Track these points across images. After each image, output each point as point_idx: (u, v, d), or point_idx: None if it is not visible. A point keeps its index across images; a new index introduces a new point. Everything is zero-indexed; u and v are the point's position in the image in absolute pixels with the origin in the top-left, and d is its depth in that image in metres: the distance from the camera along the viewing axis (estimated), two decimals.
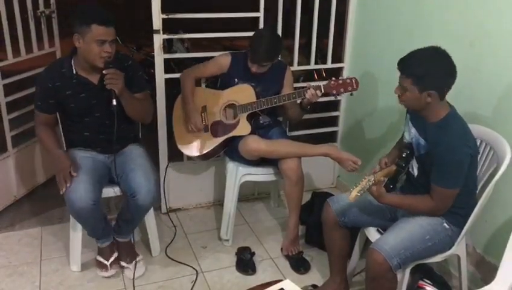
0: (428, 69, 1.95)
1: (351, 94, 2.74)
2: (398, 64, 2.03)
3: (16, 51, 3.10)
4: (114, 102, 2.35)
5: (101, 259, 2.62)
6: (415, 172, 2.19)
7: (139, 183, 2.42)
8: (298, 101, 2.78)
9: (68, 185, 2.31)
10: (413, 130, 2.17)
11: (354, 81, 2.66)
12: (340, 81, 2.65)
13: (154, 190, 2.48)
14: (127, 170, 2.49)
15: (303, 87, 2.71)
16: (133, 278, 2.55)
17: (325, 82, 2.71)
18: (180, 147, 2.91)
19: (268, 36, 2.70)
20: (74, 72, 2.43)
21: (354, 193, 2.02)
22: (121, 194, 2.60)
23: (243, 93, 2.79)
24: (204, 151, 2.81)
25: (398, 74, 2.04)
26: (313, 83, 2.73)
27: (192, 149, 2.86)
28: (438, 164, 2.01)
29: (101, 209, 2.49)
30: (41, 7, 3.25)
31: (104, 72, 2.33)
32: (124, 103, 2.42)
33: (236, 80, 2.82)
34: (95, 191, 2.37)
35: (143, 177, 2.45)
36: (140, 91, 2.57)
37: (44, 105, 2.47)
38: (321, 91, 2.65)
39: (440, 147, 2.00)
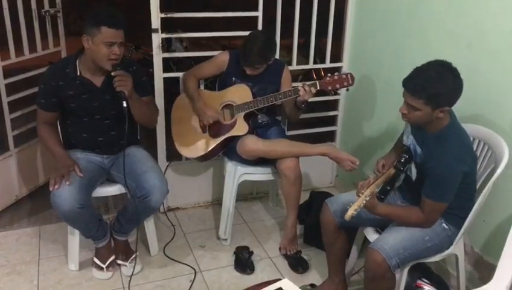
0: (442, 88, 1.90)
1: (347, 90, 2.74)
2: (405, 84, 1.97)
3: (20, 50, 3.09)
4: (124, 104, 2.33)
5: (98, 261, 2.62)
6: (413, 176, 2.19)
7: (154, 185, 2.42)
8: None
9: (57, 186, 2.29)
10: (411, 137, 2.16)
11: (349, 76, 2.65)
12: (336, 77, 2.64)
13: (166, 191, 2.49)
14: (138, 172, 2.47)
15: None
16: (131, 275, 2.56)
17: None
18: (178, 148, 2.91)
19: (260, 39, 2.68)
20: (78, 73, 2.42)
21: (351, 212, 1.97)
22: (121, 193, 2.60)
23: (240, 93, 2.79)
24: (203, 153, 2.81)
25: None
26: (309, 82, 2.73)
27: (191, 151, 2.86)
28: (430, 177, 2.01)
29: (92, 211, 2.49)
30: (46, 6, 3.25)
31: (112, 74, 2.32)
32: (132, 105, 2.40)
33: (233, 78, 2.82)
34: (82, 193, 2.34)
35: (157, 179, 2.46)
36: (145, 96, 2.55)
37: (47, 103, 2.46)
38: (316, 88, 2.64)
39: (434, 161, 1.98)
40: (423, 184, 2.06)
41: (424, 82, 1.91)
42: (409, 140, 2.17)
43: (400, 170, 2.17)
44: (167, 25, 2.91)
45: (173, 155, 3.14)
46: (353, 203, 2.00)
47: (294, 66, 3.27)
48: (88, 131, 2.52)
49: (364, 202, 1.99)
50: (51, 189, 2.32)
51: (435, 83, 1.90)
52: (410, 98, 1.96)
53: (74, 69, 2.42)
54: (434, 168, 1.98)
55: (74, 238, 2.60)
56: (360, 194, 2.01)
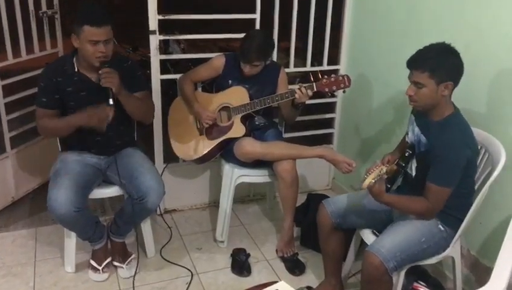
0: (445, 60, 1.99)
1: (344, 91, 2.74)
2: (409, 63, 2.03)
3: (17, 52, 3.09)
4: (111, 101, 2.32)
5: (94, 263, 2.62)
6: (413, 172, 2.19)
7: (150, 187, 2.42)
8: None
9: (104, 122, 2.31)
10: (416, 129, 2.18)
11: (346, 78, 2.65)
12: (332, 79, 2.65)
13: (163, 193, 2.49)
14: (135, 173, 2.47)
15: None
16: (134, 275, 2.55)
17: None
18: (175, 150, 2.90)
19: (258, 36, 2.71)
20: (76, 69, 2.42)
21: (368, 180, 1.95)
22: (117, 195, 2.60)
23: (237, 95, 2.79)
24: (200, 155, 2.80)
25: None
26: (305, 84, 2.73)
27: (188, 153, 2.86)
28: (435, 162, 2.02)
29: (89, 214, 2.48)
30: (44, 7, 3.25)
31: (99, 72, 2.32)
32: (123, 101, 2.39)
33: (230, 81, 2.82)
34: (78, 196, 2.33)
35: (154, 180, 2.45)
36: (140, 90, 2.55)
37: (49, 100, 2.43)
38: (312, 90, 2.64)
39: (439, 145, 2.01)
40: (422, 181, 2.07)
41: (429, 55, 2.00)
42: (414, 133, 2.18)
43: (401, 166, 2.18)
44: (165, 26, 2.91)
45: (170, 157, 3.13)
46: (366, 176, 1.97)
47: (292, 69, 3.28)
48: (86, 130, 2.51)
49: (380, 174, 1.98)
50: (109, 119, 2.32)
51: (440, 55, 1.99)
52: (415, 74, 2.01)
53: (72, 66, 2.42)
54: (440, 152, 2.00)
55: (70, 240, 2.59)
56: (375, 168, 2.00)
